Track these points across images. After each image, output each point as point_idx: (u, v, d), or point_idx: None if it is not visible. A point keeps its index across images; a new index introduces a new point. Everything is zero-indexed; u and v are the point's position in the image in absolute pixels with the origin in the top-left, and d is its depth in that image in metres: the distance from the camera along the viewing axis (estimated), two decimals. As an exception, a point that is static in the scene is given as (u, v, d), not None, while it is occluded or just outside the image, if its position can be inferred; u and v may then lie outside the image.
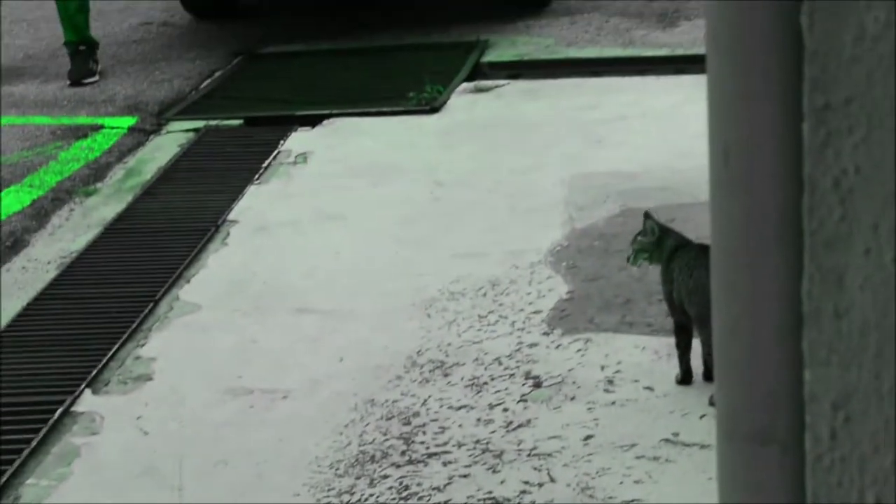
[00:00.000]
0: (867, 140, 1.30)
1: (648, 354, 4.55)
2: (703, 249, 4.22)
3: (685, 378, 4.34)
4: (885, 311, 1.35)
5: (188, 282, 5.43)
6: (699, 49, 7.94)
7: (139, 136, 7.37)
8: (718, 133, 1.48)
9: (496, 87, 7.62)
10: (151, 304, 5.23)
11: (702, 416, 4.16)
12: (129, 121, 7.60)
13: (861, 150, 1.31)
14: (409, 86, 7.55)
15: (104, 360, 4.81)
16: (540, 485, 3.89)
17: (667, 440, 4.05)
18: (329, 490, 3.97)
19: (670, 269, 4.29)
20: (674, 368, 4.40)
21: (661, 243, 4.35)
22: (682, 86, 7.34)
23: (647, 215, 4.46)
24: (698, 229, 5.33)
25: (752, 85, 1.43)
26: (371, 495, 3.92)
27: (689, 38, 8.21)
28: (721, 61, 1.46)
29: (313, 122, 7.20)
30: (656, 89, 7.31)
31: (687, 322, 4.27)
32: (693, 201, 5.76)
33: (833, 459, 1.38)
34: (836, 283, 1.36)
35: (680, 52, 7.95)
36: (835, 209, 1.34)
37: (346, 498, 3.92)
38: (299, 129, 7.11)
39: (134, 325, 5.06)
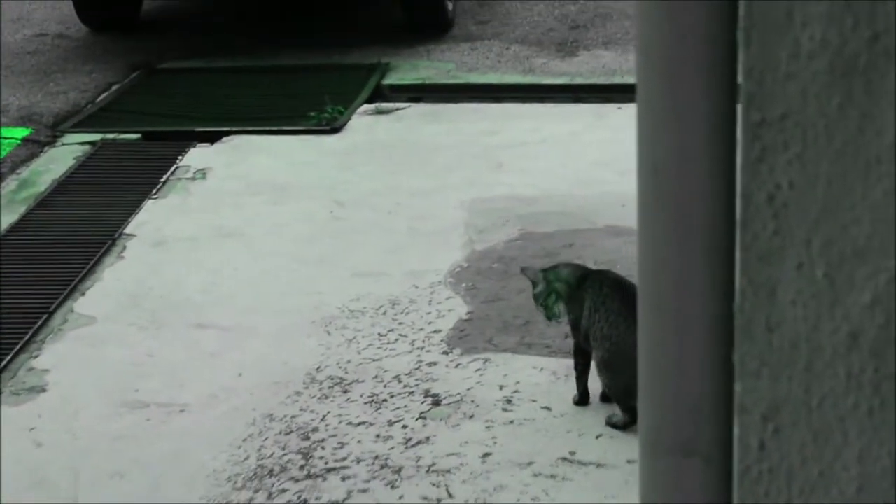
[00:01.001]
0: (801, 156, 1.34)
1: (546, 375, 4.61)
2: (618, 286, 4.29)
3: (582, 399, 4.40)
4: (815, 325, 1.38)
5: (83, 294, 5.38)
6: (598, 79, 8.07)
7: (33, 147, 7.29)
8: (648, 149, 1.51)
9: (397, 109, 7.65)
10: (45, 316, 5.18)
11: (598, 436, 4.22)
12: (22, 132, 7.51)
13: (795, 166, 1.35)
14: (310, 106, 7.55)
15: (-2, 370, 4.77)
16: (438, 500, 3.92)
17: (564, 459, 4.10)
18: None
19: (580, 297, 4.33)
20: (571, 389, 4.46)
21: (554, 282, 4.40)
22: (580, 114, 7.44)
23: (530, 270, 4.52)
24: (597, 254, 5.44)
25: (683, 101, 1.45)
26: (270, 509, 3.93)
27: (587, 67, 8.32)
28: (651, 76, 1.48)
29: (212, 138, 7.17)
30: (555, 117, 7.39)
31: (587, 348, 4.33)
32: (590, 227, 5.85)
33: (761, 470, 1.41)
34: (768, 297, 1.39)
35: (579, 80, 8.05)
36: (768, 223, 1.37)
37: (244, 511, 3.92)
38: (198, 145, 7.08)
39: (27, 337, 5.01)
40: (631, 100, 7.59)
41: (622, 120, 7.30)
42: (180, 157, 6.89)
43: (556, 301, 4.38)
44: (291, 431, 4.34)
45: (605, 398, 4.38)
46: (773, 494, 1.40)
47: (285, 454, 4.21)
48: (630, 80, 7.94)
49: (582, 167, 6.57)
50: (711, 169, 1.45)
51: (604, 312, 4.23)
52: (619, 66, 8.32)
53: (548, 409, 4.39)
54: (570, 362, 4.64)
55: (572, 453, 4.14)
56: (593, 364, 4.32)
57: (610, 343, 4.19)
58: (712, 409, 1.46)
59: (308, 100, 7.69)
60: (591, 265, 5.20)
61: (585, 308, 4.29)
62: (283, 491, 4.01)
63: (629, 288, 4.29)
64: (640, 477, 1.51)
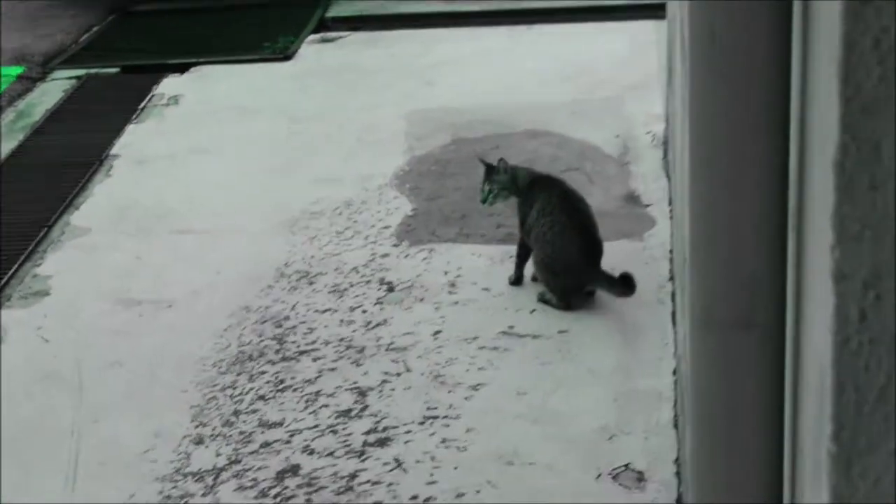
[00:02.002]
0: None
1: (484, 260, 4.41)
2: (567, 197, 4.09)
3: (517, 281, 4.21)
4: (925, 182, 1.05)
5: (77, 209, 5.11)
6: (509, 4, 7.78)
7: (27, 83, 6.93)
8: (705, 14, 1.18)
9: (340, 38, 7.34)
10: (45, 230, 4.91)
11: (532, 311, 4.04)
12: (17, 69, 7.14)
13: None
14: (265, 37, 7.24)
15: (5, 279, 4.51)
16: (398, 374, 3.74)
17: (504, 332, 3.92)
18: (213, 386, 3.76)
19: (530, 198, 4.12)
20: (506, 272, 4.27)
21: (515, 179, 4.19)
22: (497, 35, 7.16)
23: (488, 163, 4.25)
24: (518, 154, 5.22)
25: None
26: (251, 389, 3.73)
27: (500, -5, 8.02)
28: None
29: (182, 69, 6.84)
30: (476, 39, 7.11)
31: (529, 244, 4.13)
32: (512, 131, 5.62)
33: (861, 342, 1.08)
34: (872, 153, 1.06)
35: (493, 7, 7.75)
36: (873, 70, 1.05)
37: (229, 392, 3.72)
38: (170, 75, 6.75)
39: (30, 248, 4.75)
40: (539, 21, 7.42)
41: (533, 38, 7.05)
42: (155, 87, 6.56)
43: (500, 194, 4.17)
44: (266, 320, 4.12)
45: (535, 279, 4.20)
46: (874, 368, 1.08)
47: (262, 340, 4.00)
48: (536, 4, 7.69)
49: (500, 80, 6.33)
50: (771, 37, 1.13)
51: (550, 219, 4.03)
52: (527, -7, 8.02)
53: (487, 290, 4.21)
54: (504, 248, 4.46)
55: (511, 327, 3.96)
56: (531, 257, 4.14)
57: (552, 248, 4.00)
58: (768, 282, 1.18)
59: (262, 32, 7.36)
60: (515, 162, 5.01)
61: (534, 209, 4.08)
62: (263, 373, 3.81)
63: (577, 201, 4.11)
64: (690, 351, 1.26)
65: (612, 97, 5.93)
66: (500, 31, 7.26)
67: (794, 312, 1.08)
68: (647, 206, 4.75)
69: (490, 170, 4.20)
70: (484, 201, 4.20)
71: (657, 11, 7.04)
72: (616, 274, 3.96)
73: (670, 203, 4.68)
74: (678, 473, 3.14)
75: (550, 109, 5.80)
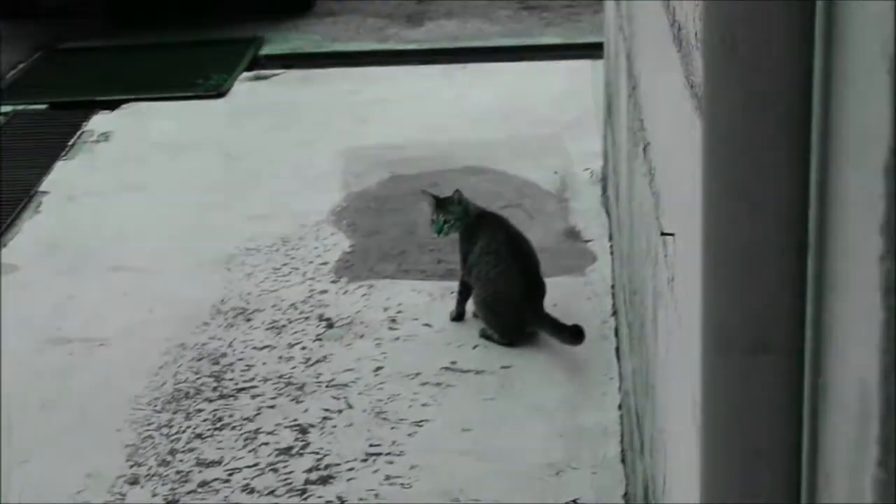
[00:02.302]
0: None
1: (424, 297, 4.37)
2: (514, 239, 4.06)
3: (458, 317, 4.18)
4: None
5: (6, 246, 4.99)
6: (443, 43, 7.80)
7: (-48, 120, 6.80)
8: (719, 19, 1.09)
9: (274, 75, 7.30)
10: (-28, 267, 4.79)
11: (474, 347, 4.00)
12: (-59, 107, 7.00)
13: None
14: (197, 75, 7.18)
15: (-69, 317, 4.38)
16: (339, 411, 3.68)
17: (446, 368, 3.88)
18: (149, 425, 3.67)
19: (474, 235, 4.09)
20: (447, 307, 4.24)
21: (467, 211, 4.16)
22: (432, 74, 7.16)
23: (436, 196, 4.21)
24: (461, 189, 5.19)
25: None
26: (188, 427, 3.64)
27: (434, 35, 8.03)
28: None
29: (112, 106, 6.75)
30: (411, 77, 7.11)
31: (469, 281, 4.09)
32: (451, 168, 5.60)
33: None
34: None
35: (427, 46, 7.77)
36: None
37: (165, 431, 3.63)
38: (100, 112, 6.65)
39: (-43, 286, 4.62)
40: (474, 60, 7.43)
41: (468, 77, 7.05)
42: (85, 124, 6.46)
43: (455, 225, 4.13)
44: (203, 357, 4.04)
45: (477, 315, 4.16)
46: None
47: (199, 378, 3.92)
48: (471, 43, 7.72)
49: (438, 117, 6.31)
50: (792, 41, 1.05)
51: (494, 258, 3.99)
52: (460, 32, 8.05)
53: (429, 325, 4.16)
54: (445, 284, 4.42)
55: (453, 363, 3.91)
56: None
57: (495, 289, 3.97)
58: (789, 302, 1.09)
59: (195, 70, 7.30)
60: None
61: (477, 247, 4.05)
62: (200, 411, 3.73)
63: (522, 242, 4.09)
64: (702, 375, 1.16)
65: (550, 135, 5.94)
66: (434, 69, 7.26)
67: (814, 333, 1.03)
68: (588, 241, 4.75)
69: (442, 202, 4.16)
70: (439, 232, 4.16)
71: (593, 51, 7.10)
72: (564, 320, 3.91)
73: (611, 238, 4.68)
74: (627, 508, 3.11)
75: (488, 147, 5.79)
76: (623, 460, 3.31)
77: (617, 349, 3.88)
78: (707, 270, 1.10)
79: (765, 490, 1.08)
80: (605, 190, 5.10)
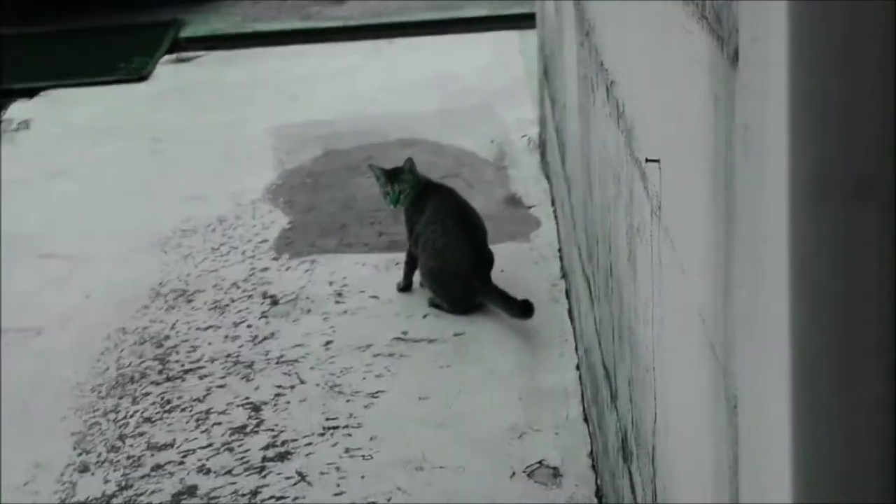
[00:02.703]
0: None
1: (369, 269, 4.30)
2: (461, 210, 3.99)
3: (406, 288, 4.11)
4: None
5: (-71, 239, 4.82)
6: (368, 20, 7.71)
7: None
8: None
9: (196, 57, 7.16)
10: None
11: (425, 316, 3.94)
12: None
13: None
14: (117, 59, 7.03)
15: None
16: (291, 387, 3.59)
17: (398, 339, 3.81)
18: (95, 411, 3.56)
19: (420, 205, 4.01)
20: (393, 279, 4.16)
21: (416, 182, 4.08)
22: (359, 50, 7.08)
23: (383, 168, 4.12)
24: (394, 163, 5.12)
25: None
26: (136, 411, 3.53)
27: (358, 11, 7.93)
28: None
29: (30, 94, 6.58)
30: (338, 53, 7.02)
31: (416, 253, 4.02)
32: (383, 141, 5.53)
33: None
34: None
35: (352, 23, 7.68)
36: None
37: (112, 416, 3.52)
38: (18, 101, 6.48)
39: None
40: (400, 35, 7.35)
41: (395, 51, 6.99)
42: (3, 112, 6.29)
43: (409, 195, 4.05)
44: (145, 341, 3.93)
45: (424, 284, 4.10)
46: None
47: (143, 362, 3.81)
48: (395, 19, 7.64)
49: (368, 92, 6.24)
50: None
51: (441, 229, 3.92)
52: (383, 8, 7.96)
53: (376, 297, 4.09)
54: (389, 256, 4.36)
55: (405, 333, 3.84)
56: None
57: (443, 259, 3.90)
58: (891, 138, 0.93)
59: (114, 54, 7.15)
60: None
61: (423, 217, 3.97)
62: (147, 394, 3.62)
63: (470, 214, 4.02)
64: (790, 227, 1.00)
65: (482, 104, 5.89)
66: (361, 45, 7.18)
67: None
68: (530, 207, 4.70)
69: (394, 173, 4.08)
70: (395, 203, 4.06)
71: (520, 22, 7.07)
72: (512, 286, 3.86)
73: (553, 203, 4.64)
74: (594, 467, 3.07)
75: (421, 118, 5.73)
76: (586, 419, 3.27)
77: (569, 311, 3.84)
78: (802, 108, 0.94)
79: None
80: (543, 156, 5.06)
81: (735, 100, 1.19)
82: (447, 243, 3.92)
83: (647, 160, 1.71)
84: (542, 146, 5.14)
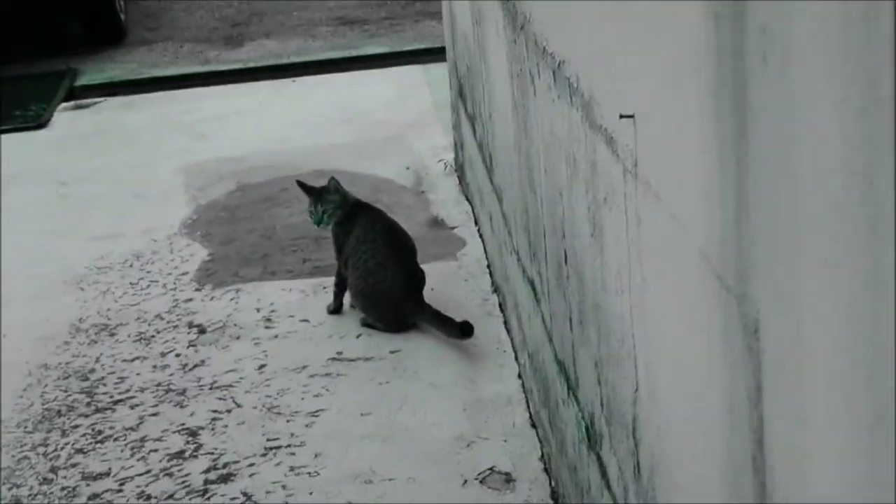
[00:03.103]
0: None
1: (296, 294, 4.23)
2: (390, 229, 3.95)
3: (337, 310, 4.05)
4: None
5: None
6: (267, 61, 7.67)
7: None
8: None
9: (94, 104, 7.04)
10: None
11: (358, 336, 3.88)
12: None
13: None
14: (14, 107, 6.88)
15: None
16: (228, 411, 3.50)
17: (333, 359, 3.75)
18: (22, 446, 3.43)
19: (350, 225, 3.96)
20: (321, 303, 4.11)
21: (345, 199, 4.03)
22: (261, 90, 7.03)
23: (311, 186, 4.08)
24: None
25: None
26: (66, 443, 3.41)
27: (256, 54, 7.89)
28: None
29: (-75, 145, 6.39)
30: (240, 94, 6.95)
31: (346, 274, 3.97)
32: (297, 173, 5.46)
33: None
34: None
35: (252, 65, 7.63)
36: None
37: (41, 450, 3.39)
38: (-86, 152, 6.30)
39: None
40: (300, 74, 7.31)
41: (299, 89, 6.95)
42: None
43: (334, 214, 4.00)
44: (69, 375, 3.81)
45: (354, 305, 4.05)
46: None
47: (69, 395, 3.69)
48: (294, 59, 7.61)
49: (276, 129, 6.19)
50: None
51: (372, 249, 3.87)
52: (282, 50, 7.93)
53: (306, 321, 4.02)
54: (315, 281, 4.31)
55: (339, 353, 3.79)
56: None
57: (374, 280, 3.85)
58: None
59: (11, 102, 6.99)
60: (308, 203, 4.86)
61: (352, 237, 3.92)
62: (76, 426, 3.50)
63: (399, 233, 3.98)
64: (832, 122, 0.94)
65: (393, 135, 5.88)
66: (263, 86, 7.14)
67: None
68: (454, 228, 4.69)
69: (319, 192, 4.04)
70: (318, 223, 4.01)
71: (421, 56, 7.11)
72: (443, 303, 3.83)
73: (477, 223, 4.63)
74: (546, 470, 3.04)
75: (333, 150, 5.69)
76: (533, 425, 3.24)
77: (505, 322, 3.82)
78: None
79: None
80: (461, 179, 5.06)
81: (746, 6, 1.18)
82: (378, 263, 3.87)
83: (620, 116, 1.70)
84: (459, 169, 5.14)
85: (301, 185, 4.12)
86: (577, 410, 2.47)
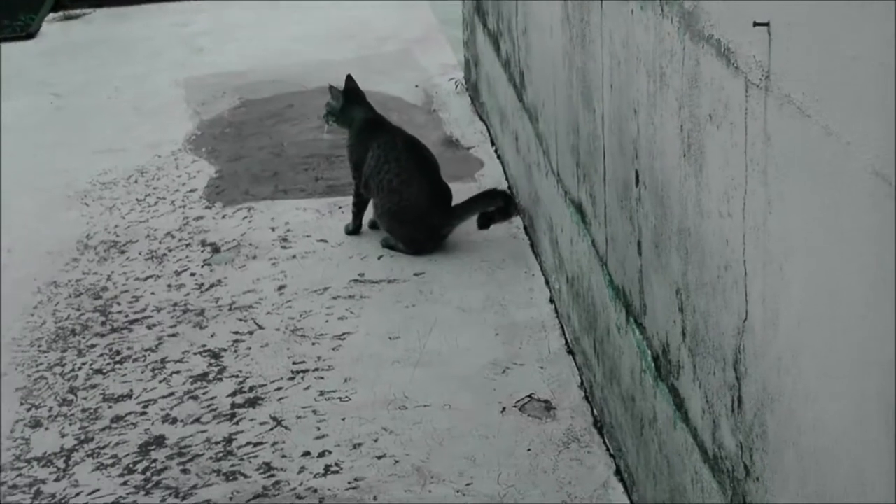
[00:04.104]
0: None
1: (311, 214, 4.08)
2: (412, 145, 3.79)
3: (356, 230, 3.90)
4: None
5: None
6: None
7: None
8: None
9: (84, 14, 6.80)
10: None
11: (380, 258, 3.74)
12: None
13: None
14: (1, 17, 6.62)
15: None
16: (250, 333, 3.36)
17: (355, 280, 3.61)
18: (38, 365, 3.28)
19: (364, 140, 3.80)
20: (339, 222, 3.96)
21: (346, 111, 3.86)
22: (257, 5, 6.79)
23: (332, 88, 3.94)
24: (319, 110, 4.90)
25: None
26: (84, 363, 3.27)
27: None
28: None
29: (-90, 54, 6.15)
30: (235, 8, 6.72)
31: (366, 194, 3.82)
32: (302, 90, 5.30)
33: None
34: None
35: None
36: None
37: (58, 370, 3.25)
38: None
39: None
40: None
41: (297, 4, 6.72)
42: None
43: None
44: (81, 293, 3.66)
45: (373, 225, 3.90)
46: None
47: (82, 314, 3.53)
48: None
49: (278, 43, 5.99)
50: None
51: (396, 167, 3.71)
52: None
53: (324, 241, 3.88)
54: (330, 200, 4.16)
55: (361, 275, 3.64)
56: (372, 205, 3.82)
57: (400, 198, 3.69)
58: None
59: (-2, 12, 6.74)
60: (315, 119, 4.72)
61: (372, 155, 3.76)
62: (93, 346, 3.35)
63: (423, 150, 3.82)
64: None
65: (399, 51, 5.70)
66: (260, 2, 6.90)
67: None
68: (469, 148, 4.54)
69: (336, 93, 3.91)
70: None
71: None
72: (475, 239, 3.73)
73: (493, 143, 4.48)
74: (587, 398, 2.93)
75: (339, 66, 5.49)
76: (570, 352, 3.12)
77: (532, 245, 3.69)
78: None
79: None
80: (475, 98, 4.89)
81: None
82: (403, 181, 3.72)
83: (755, 24, 1.55)
84: (471, 88, 4.97)
85: (331, 88, 3.95)
86: (641, 339, 2.35)
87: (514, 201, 3.67)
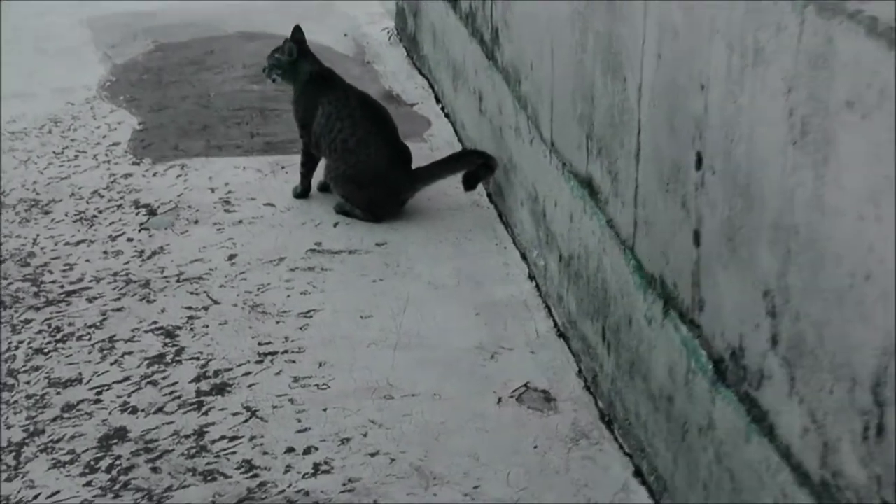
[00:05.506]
0: None
1: (252, 173, 3.75)
2: (366, 103, 3.46)
3: (304, 193, 3.59)
4: None
5: None
6: None
7: None
8: None
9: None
10: None
11: (335, 225, 3.44)
12: None
13: None
14: None
15: None
16: (205, 308, 3.04)
17: (313, 250, 3.31)
18: (-34, 344, 2.90)
19: (312, 98, 3.46)
20: (284, 184, 3.65)
21: (297, 65, 3.52)
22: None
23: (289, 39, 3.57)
24: (241, 57, 4.57)
25: None
26: (20, 342, 2.90)
27: None
28: None
29: None
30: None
31: (316, 153, 3.50)
32: (223, 34, 4.92)
33: None
34: None
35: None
36: None
37: (-10, 349, 2.88)
38: None
39: None
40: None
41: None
42: None
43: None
44: (6, 259, 3.27)
45: (323, 188, 3.60)
46: None
47: (11, 283, 3.16)
48: None
49: (186, -17, 5.57)
50: None
51: (350, 125, 3.39)
52: None
53: (271, 204, 3.56)
54: (270, 159, 3.84)
55: (318, 244, 3.34)
56: (325, 167, 3.50)
57: (357, 159, 3.38)
58: None
59: None
60: (241, 68, 4.36)
61: (321, 112, 3.43)
62: (28, 322, 2.98)
63: (379, 108, 3.50)
64: None
65: (321, -2, 5.36)
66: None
67: None
68: (413, 105, 4.25)
69: (280, 46, 3.54)
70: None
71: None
72: (437, 205, 3.44)
73: (439, 101, 4.20)
74: (588, 388, 2.70)
75: (258, 11, 5.14)
76: (562, 336, 2.88)
77: (500, 215, 3.43)
78: None
79: None
80: (409, 50, 4.59)
81: None
82: (359, 140, 3.41)
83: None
84: (406, 40, 4.67)
85: (286, 41, 3.59)
86: (690, 336, 2.12)
87: (492, 156, 3.38)
